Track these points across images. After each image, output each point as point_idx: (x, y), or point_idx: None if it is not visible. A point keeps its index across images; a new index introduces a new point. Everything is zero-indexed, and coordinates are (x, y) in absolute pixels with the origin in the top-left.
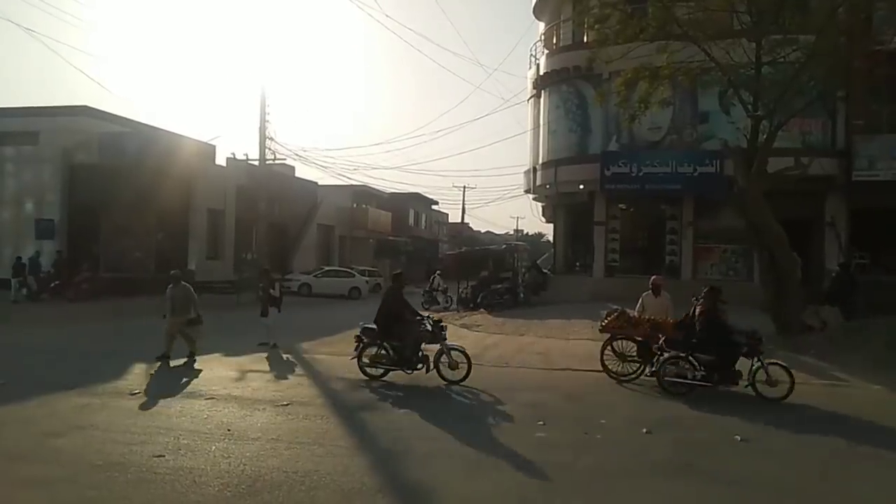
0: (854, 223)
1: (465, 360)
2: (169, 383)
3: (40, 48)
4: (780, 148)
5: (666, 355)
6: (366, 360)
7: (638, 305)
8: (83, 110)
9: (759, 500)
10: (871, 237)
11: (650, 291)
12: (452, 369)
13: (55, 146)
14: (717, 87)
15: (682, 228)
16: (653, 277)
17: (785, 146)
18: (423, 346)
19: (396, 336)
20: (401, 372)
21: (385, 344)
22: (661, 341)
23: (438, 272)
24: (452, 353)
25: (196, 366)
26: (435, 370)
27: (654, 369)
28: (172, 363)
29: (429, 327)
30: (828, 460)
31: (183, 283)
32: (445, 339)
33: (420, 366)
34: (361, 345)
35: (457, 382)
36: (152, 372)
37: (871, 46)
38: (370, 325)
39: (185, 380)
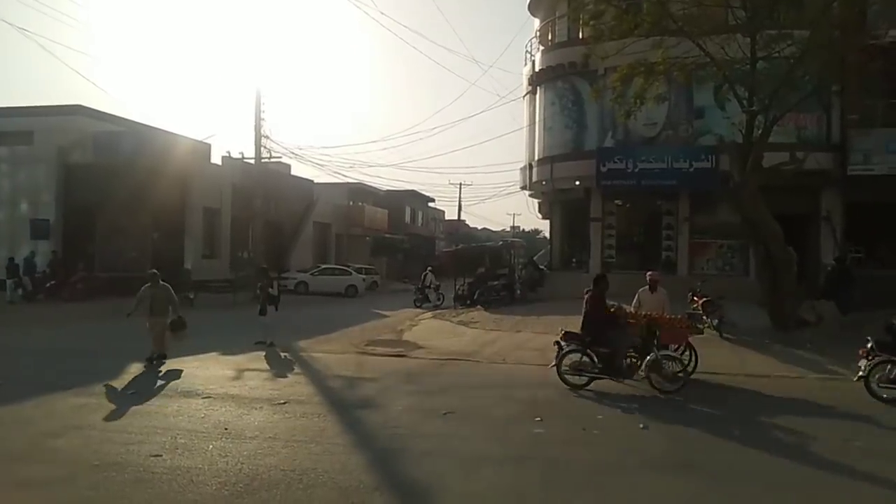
0: (849, 217)
1: (681, 369)
2: (166, 383)
3: (34, 48)
4: (775, 143)
5: None
6: (567, 367)
7: (634, 301)
8: (78, 109)
9: (755, 495)
10: (867, 231)
11: (647, 287)
12: (666, 378)
13: (50, 146)
14: (712, 83)
15: (678, 224)
16: (649, 273)
17: (780, 141)
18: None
19: (606, 342)
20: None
21: (590, 351)
22: (869, 343)
23: (430, 269)
24: (665, 360)
25: (195, 366)
26: (647, 379)
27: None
28: (167, 362)
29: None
30: (823, 454)
31: (162, 282)
32: (657, 345)
33: (628, 373)
34: (562, 352)
35: (671, 392)
36: (153, 372)
37: (865, 41)
38: (573, 331)
39: (177, 379)
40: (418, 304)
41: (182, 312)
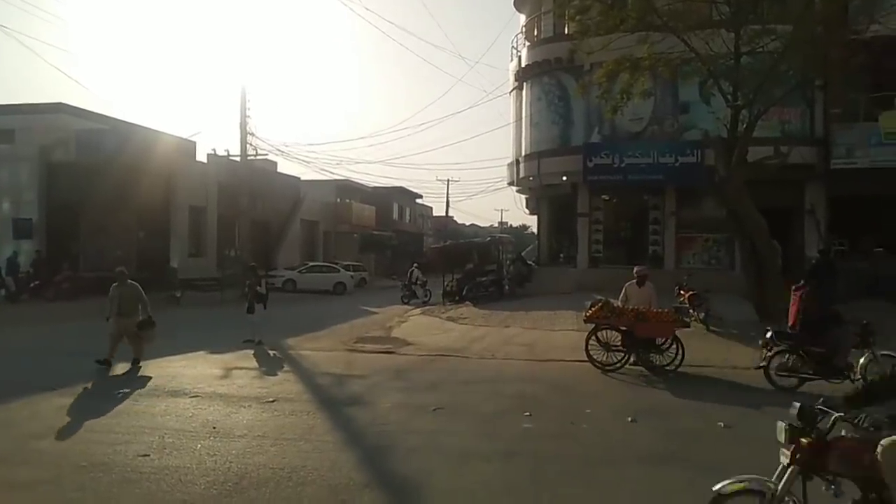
0: (833, 211)
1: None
2: (153, 382)
3: (15, 45)
4: (759, 137)
5: None
6: (776, 368)
7: (622, 295)
8: (60, 107)
9: None
10: (850, 224)
11: (634, 281)
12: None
13: (32, 144)
14: (697, 78)
15: (664, 218)
16: (637, 268)
17: (764, 135)
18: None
19: (825, 341)
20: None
21: (802, 350)
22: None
23: (416, 265)
24: (886, 359)
25: (183, 365)
26: (860, 379)
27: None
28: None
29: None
30: None
31: (130, 281)
32: (875, 343)
33: (846, 374)
34: (770, 352)
35: None
36: (135, 372)
37: (847, 35)
38: (784, 330)
39: (159, 380)
40: (406, 301)
41: (169, 311)
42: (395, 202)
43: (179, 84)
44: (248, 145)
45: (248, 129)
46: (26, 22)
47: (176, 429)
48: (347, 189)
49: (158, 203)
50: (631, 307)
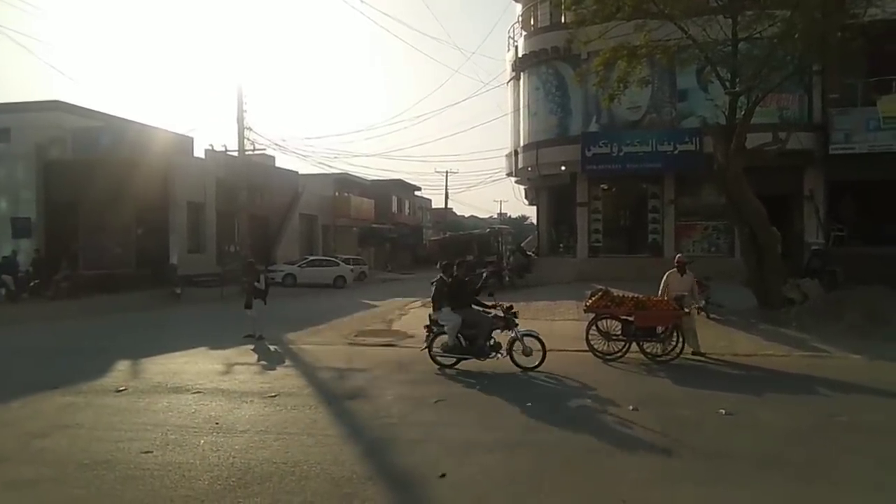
0: (832, 196)
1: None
2: (155, 379)
3: (7, 43)
4: (758, 124)
5: None
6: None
7: (662, 284)
8: (55, 105)
9: (742, 472)
10: (849, 209)
11: (675, 270)
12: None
13: (27, 142)
14: (694, 65)
15: (663, 207)
16: (677, 256)
17: (763, 122)
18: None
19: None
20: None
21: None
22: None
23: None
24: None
25: (184, 361)
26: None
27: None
28: None
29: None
30: (809, 430)
31: None
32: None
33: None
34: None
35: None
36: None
37: (845, 20)
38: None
39: (161, 377)
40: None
41: (170, 308)
42: (393, 195)
43: (175, 80)
44: (245, 140)
45: (245, 123)
46: (19, 18)
47: (178, 425)
48: (346, 182)
49: (156, 199)
50: (673, 295)
